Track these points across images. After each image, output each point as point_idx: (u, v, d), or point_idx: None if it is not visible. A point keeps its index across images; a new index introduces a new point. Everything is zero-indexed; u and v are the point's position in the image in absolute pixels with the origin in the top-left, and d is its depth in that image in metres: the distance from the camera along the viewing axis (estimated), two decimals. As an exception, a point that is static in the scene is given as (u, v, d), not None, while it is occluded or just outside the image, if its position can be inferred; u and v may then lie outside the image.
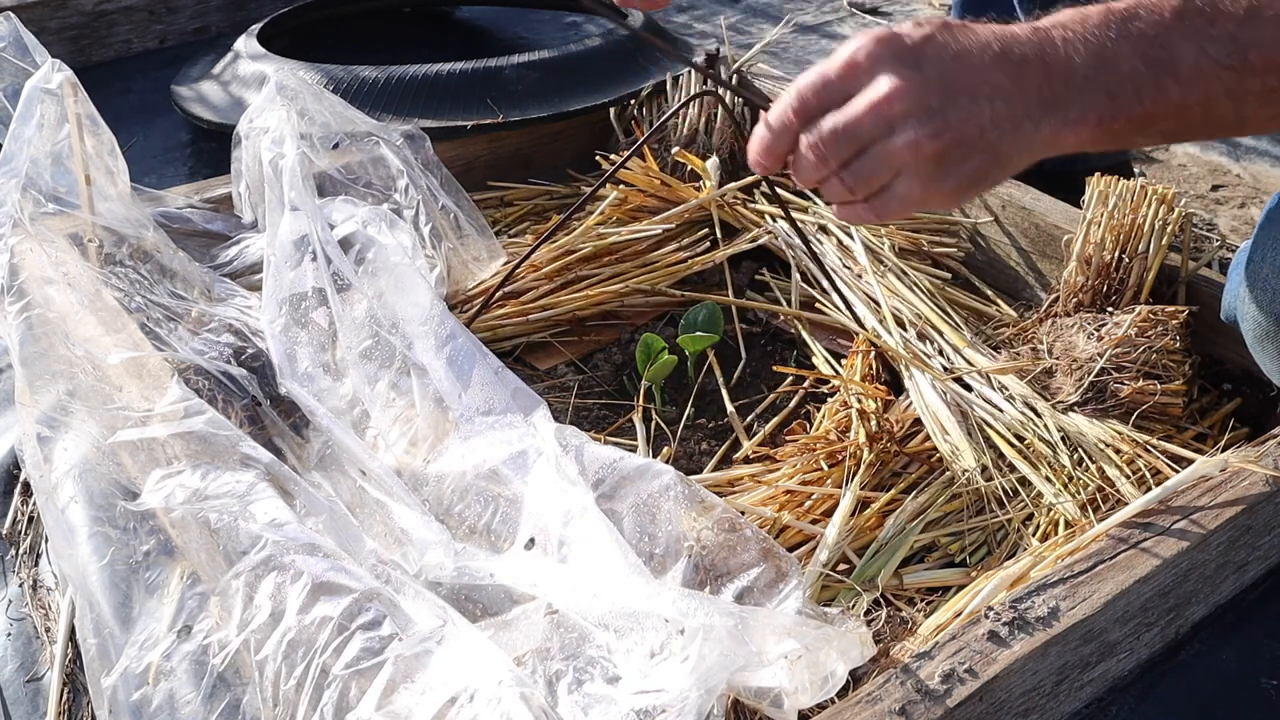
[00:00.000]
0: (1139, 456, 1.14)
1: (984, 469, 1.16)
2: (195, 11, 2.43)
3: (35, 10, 2.22)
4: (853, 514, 1.12)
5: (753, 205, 1.58)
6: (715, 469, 1.24)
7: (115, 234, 1.29)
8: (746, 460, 1.24)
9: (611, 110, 1.75)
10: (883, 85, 0.80)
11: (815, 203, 1.57)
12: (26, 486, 1.22)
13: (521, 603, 0.91)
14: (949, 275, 1.49)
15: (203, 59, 2.08)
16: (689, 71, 1.78)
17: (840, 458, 1.17)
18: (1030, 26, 0.81)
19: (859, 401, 1.23)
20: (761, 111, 0.86)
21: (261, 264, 1.33)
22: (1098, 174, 1.35)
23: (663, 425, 1.31)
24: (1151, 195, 1.30)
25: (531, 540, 0.96)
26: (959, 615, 0.96)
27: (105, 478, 0.98)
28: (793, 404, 1.34)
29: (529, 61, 1.77)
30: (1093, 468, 1.15)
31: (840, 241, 1.49)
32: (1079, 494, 1.12)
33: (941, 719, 0.83)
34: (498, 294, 1.39)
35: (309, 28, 2.31)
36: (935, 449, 1.20)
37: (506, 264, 1.45)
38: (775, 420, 1.31)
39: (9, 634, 1.09)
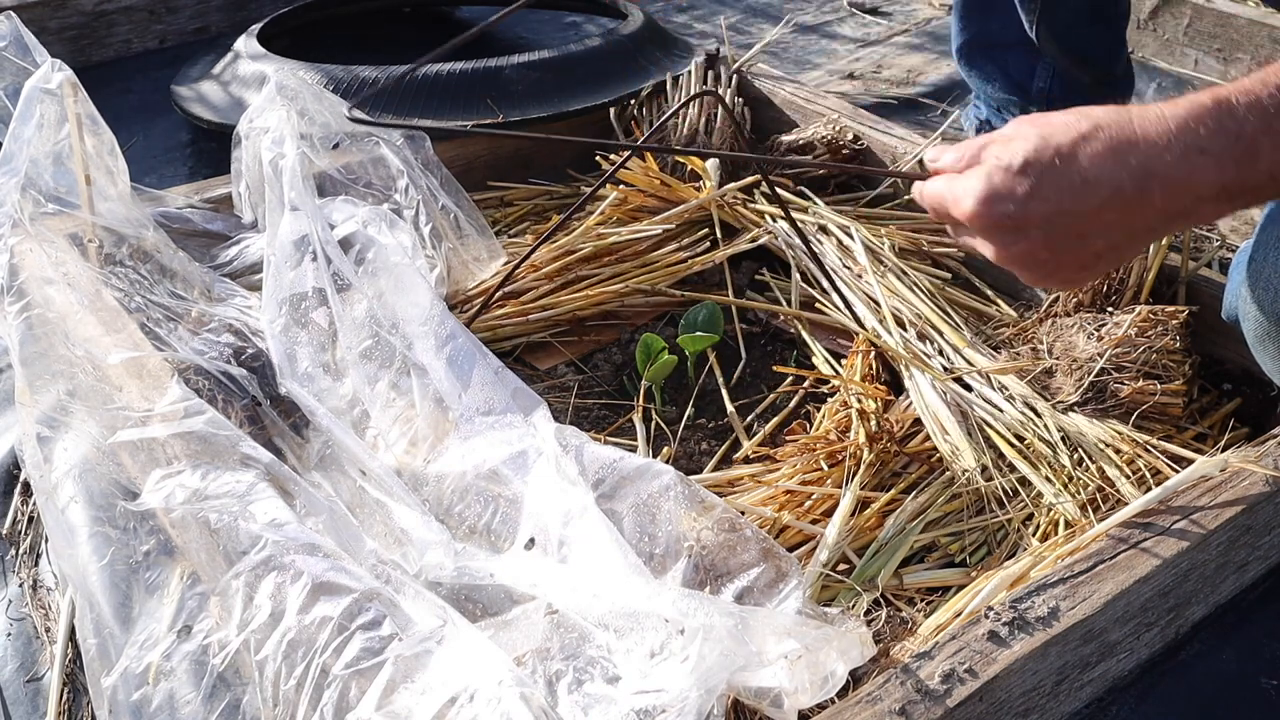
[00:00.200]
0: (1139, 456, 1.14)
1: (984, 469, 1.16)
2: (195, 11, 2.43)
3: (35, 10, 2.22)
4: (853, 514, 1.12)
5: (753, 205, 1.58)
6: (715, 469, 1.24)
7: (115, 234, 1.29)
8: (746, 460, 1.24)
9: (611, 110, 1.75)
10: (990, 254, 0.90)
11: (815, 202, 1.57)
12: (26, 486, 1.23)
13: (521, 603, 0.91)
14: (949, 275, 1.49)
15: (203, 59, 2.08)
16: (689, 71, 1.78)
17: (840, 458, 1.17)
18: (1172, 125, 0.80)
19: (859, 401, 1.23)
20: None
21: (261, 264, 1.33)
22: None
23: (663, 425, 1.31)
24: (1151, 195, 1.30)
25: (531, 540, 0.96)
26: (959, 615, 0.96)
27: (105, 478, 0.98)
28: (793, 404, 1.34)
29: (529, 61, 1.77)
30: (1093, 468, 1.15)
31: (840, 241, 1.49)
32: (1079, 494, 1.12)
33: (941, 719, 0.83)
34: (498, 294, 1.39)
35: (309, 28, 2.31)
36: (935, 449, 1.20)
37: (506, 264, 1.45)
38: (775, 420, 1.31)
39: (9, 634, 1.09)
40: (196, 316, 1.25)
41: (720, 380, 1.37)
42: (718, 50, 1.82)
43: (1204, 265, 1.32)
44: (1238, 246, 1.32)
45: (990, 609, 0.91)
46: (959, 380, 1.28)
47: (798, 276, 1.48)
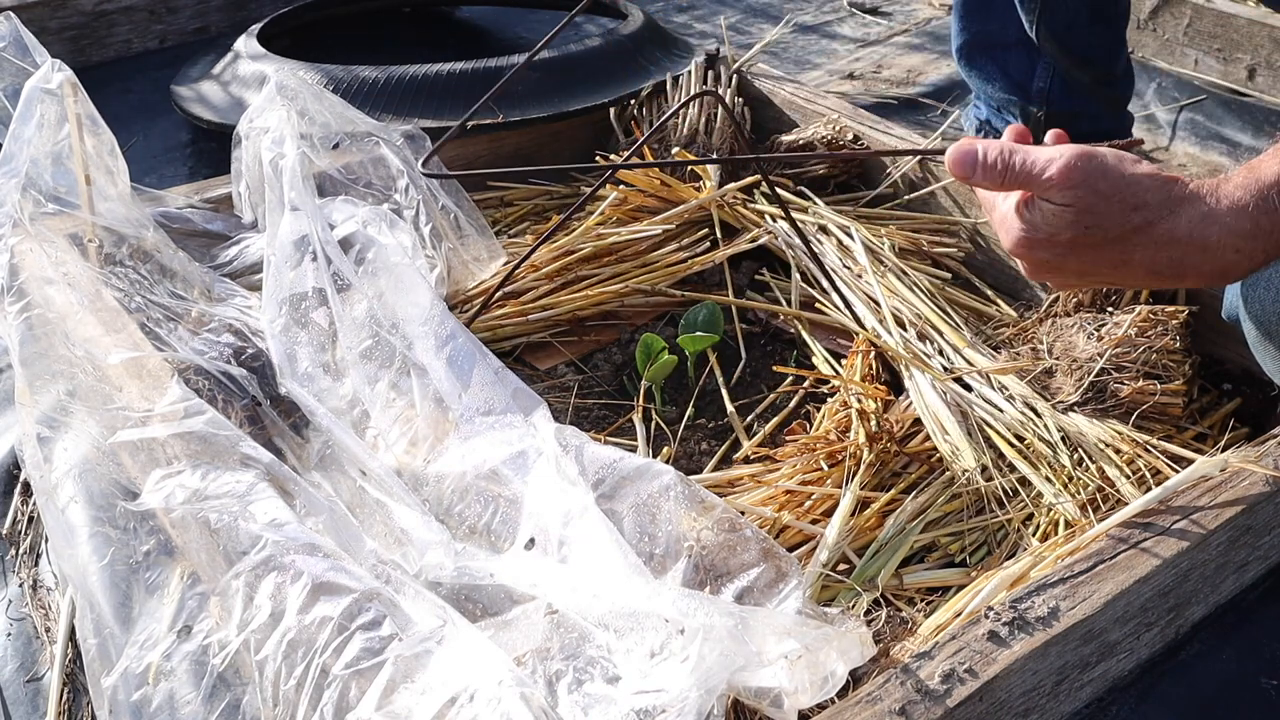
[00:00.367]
0: (1139, 456, 1.14)
1: (984, 469, 1.16)
2: (195, 11, 2.43)
3: (35, 10, 2.22)
4: (853, 514, 1.12)
5: (753, 205, 1.58)
6: (715, 469, 1.24)
7: (115, 234, 1.29)
8: (746, 460, 1.24)
9: (611, 110, 1.75)
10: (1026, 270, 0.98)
11: (815, 202, 1.57)
12: (26, 486, 1.23)
13: (521, 603, 0.91)
14: (949, 275, 1.49)
15: (203, 59, 2.08)
16: (689, 71, 1.78)
17: (840, 458, 1.17)
18: (1222, 234, 0.85)
19: (859, 401, 1.23)
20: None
21: (261, 264, 1.33)
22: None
23: (663, 425, 1.31)
24: (1151, 195, 1.30)
25: (531, 540, 0.95)
26: (959, 615, 0.96)
27: (105, 478, 0.98)
28: (793, 404, 1.34)
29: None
30: (1093, 468, 1.15)
31: (840, 241, 1.49)
32: (1079, 494, 1.12)
33: (941, 719, 0.83)
34: (498, 294, 1.39)
35: (309, 28, 2.31)
36: (935, 449, 1.20)
37: (506, 264, 1.45)
38: (775, 420, 1.31)
39: (9, 634, 1.09)
40: (196, 316, 1.25)
41: (720, 380, 1.37)
42: (718, 50, 1.82)
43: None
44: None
45: (990, 609, 0.91)
46: (959, 380, 1.28)
47: (798, 276, 1.48)
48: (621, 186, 1.55)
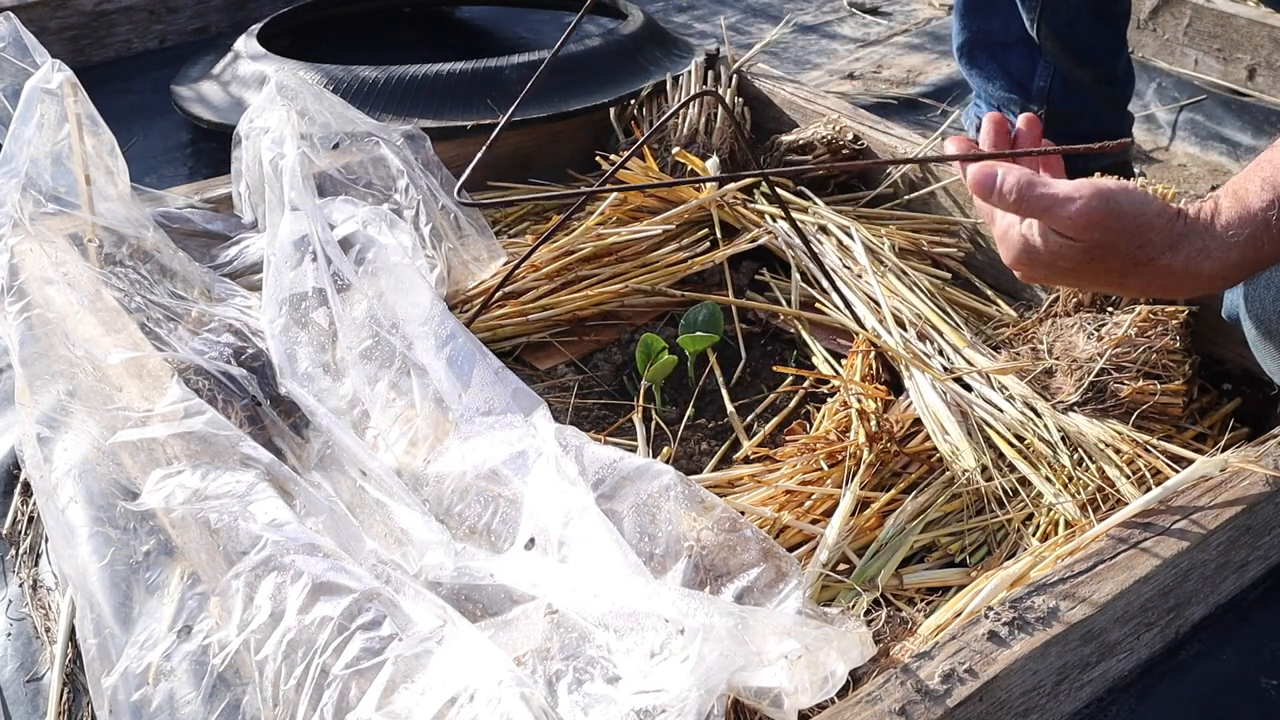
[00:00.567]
0: (1139, 456, 1.14)
1: (984, 469, 1.16)
2: (195, 11, 2.43)
3: (35, 10, 2.22)
4: (853, 514, 1.12)
5: (753, 205, 1.58)
6: (715, 469, 1.24)
7: (115, 234, 1.29)
8: (746, 460, 1.24)
9: (611, 110, 1.75)
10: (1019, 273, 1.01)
11: (815, 202, 1.57)
12: (26, 486, 1.22)
13: (521, 603, 0.91)
14: (949, 275, 1.49)
15: (203, 59, 2.08)
16: (689, 71, 1.78)
17: (840, 458, 1.17)
18: (1215, 267, 0.90)
19: (859, 401, 1.23)
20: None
21: (261, 264, 1.33)
22: (1098, 174, 1.35)
23: (663, 425, 1.31)
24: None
25: (531, 540, 0.95)
26: (959, 615, 0.96)
27: (105, 478, 0.98)
28: (793, 404, 1.34)
29: (529, 61, 1.77)
30: (1093, 468, 1.15)
31: (840, 241, 1.49)
32: (1079, 494, 1.12)
33: (941, 719, 0.83)
34: (498, 294, 1.39)
35: (309, 28, 2.31)
36: (935, 449, 1.20)
37: (506, 264, 1.45)
38: (775, 420, 1.31)
39: (9, 634, 1.09)
40: (196, 316, 1.25)
41: (720, 380, 1.37)
42: (718, 50, 1.82)
43: (1204, 265, 1.32)
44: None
45: (990, 609, 0.91)
46: (959, 380, 1.28)
47: (798, 276, 1.48)
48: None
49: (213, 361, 1.16)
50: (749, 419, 1.32)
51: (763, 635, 0.81)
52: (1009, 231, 0.95)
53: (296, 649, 0.81)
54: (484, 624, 0.89)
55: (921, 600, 1.06)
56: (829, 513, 1.12)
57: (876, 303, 1.39)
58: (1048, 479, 1.14)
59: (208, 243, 1.44)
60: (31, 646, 1.07)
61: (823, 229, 1.52)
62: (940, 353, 1.32)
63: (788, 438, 1.24)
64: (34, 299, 1.12)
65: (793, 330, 1.45)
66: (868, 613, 0.98)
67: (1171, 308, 1.25)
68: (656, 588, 0.84)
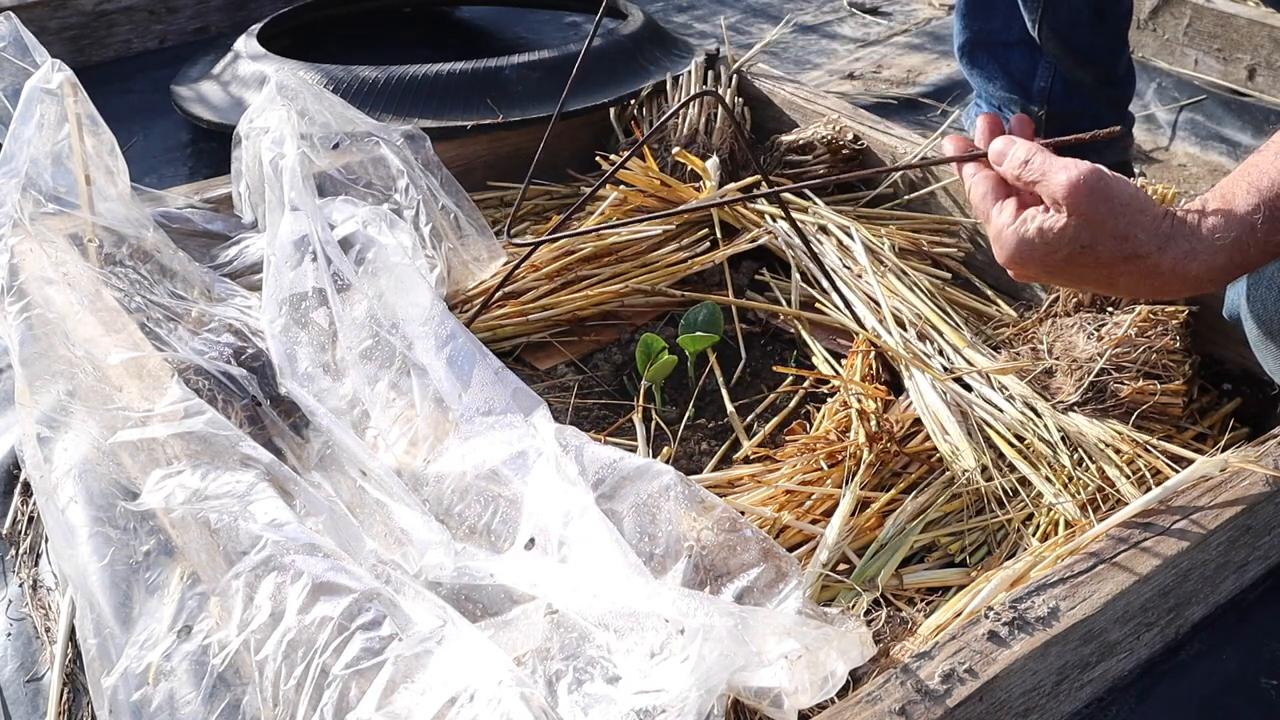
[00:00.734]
0: (1139, 456, 1.14)
1: (984, 469, 1.16)
2: (195, 11, 2.43)
3: (35, 10, 2.22)
4: (853, 514, 1.12)
5: (753, 205, 1.58)
6: (715, 469, 1.24)
7: (115, 234, 1.29)
8: (746, 460, 1.24)
9: (611, 110, 1.75)
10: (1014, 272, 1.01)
11: (815, 202, 1.57)
12: (26, 486, 1.22)
13: (521, 603, 0.91)
14: (949, 275, 1.49)
15: (203, 59, 2.08)
16: (689, 71, 1.78)
17: (840, 458, 1.17)
18: (1203, 267, 0.91)
19: (859, 401, 1.23)
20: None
21: (261, 264, 1.33)
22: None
23: (663, 425, 1.31)
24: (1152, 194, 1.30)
25: (531, 540, 0.96)
26: (959, 615, 0.96)
27: (105, 478, 0.98)
28: (793, 404, 1.34)
29: (529, 61, 1.77)
30: (1093, 468, 1.15)
31: (840, 241, 1.49)
32: (1079, 494, 1.12)
33: (941, 719, 0.83)
34: (498, 294, 1.39)
35: (309, 28, 2.31)
36: (935, 449, 1.20)
37: (506, 264, 1.45)
38: (775, 420, 1.31)
39: (9, 634, 1.09)
40: (196, 316, 1.25)
41: (720, 380, 1.37)
42: (718, 50, 1.82)
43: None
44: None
45: (990, 609, 0.91)
46: (959, 380, 1.28)
47: (798, 276, 1.48)
48: (621, 187, 1.55)
49: (213, 361, 1.16)
50: (749, 419, 1.32)
51: (763, 635, 0.81)
52: (1003, 232, 0.97)
53: (296, 649, 0.81)
54: (484, 624, 0.89)
55: (921, 600, 1.06)
56: (829, 513, 1.12)
57: (876, 303, 1.39)
58: (1048, 479, 1.14)
59: (208, 243, 1.44)
60: (31, 646, 1.07)
61: (823, 229, 1.52)
62: (940, 353, 1.32)
63: (788, 438, 1.24)
64: (34, 299, 1.12)
65: (793, 330, 1.45)
66: (868, 613, 0.98)
67: (1171, 308, 1.25)
68: (656, 588, 0.84)
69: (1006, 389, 1.26)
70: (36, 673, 1.05)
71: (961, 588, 1.04)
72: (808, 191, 1.59)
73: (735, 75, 1.79)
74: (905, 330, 1.35)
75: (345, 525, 0.95)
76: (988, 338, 1.37)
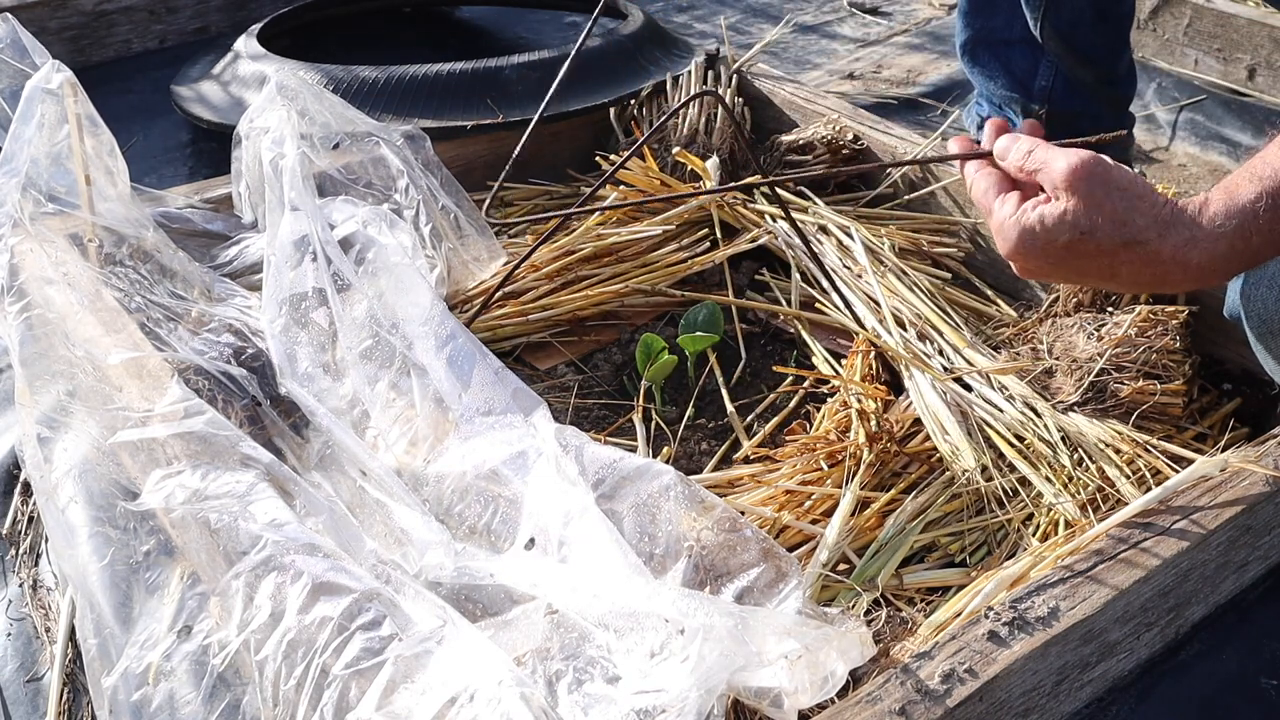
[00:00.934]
0: (1139, 456, 1.14)
1: (984, 469, 1.16)
2: (195, 11, 2.43)
3: (35, 10, 2.21)
4: (853, 514, 1.12)
5: (753, 205, 1.58)
6: (715, 469, 1.24)
7: (115, 234, 1.29)
8: (746, 460, 1.24)
9: (611, 110, 1.75)
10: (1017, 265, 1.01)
11: (815, 202, 1.57)
12: (26, 486, 1.23)
13: (521, 603, 0.91)
14: (949, 275, 1.49)
15: (203, 59, 2.08)
16: (689, 71, 1.78)
17: (840, 458, 1.17)
18: (1204, 257, 0.91)
19: (859, 401, 1.23)
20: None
21: (261, 264, 1.33)
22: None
23: (663, 425, 1.31)
24: (1151, 195, 1.30)
25: (531, 540, 0.96)
26: (959, 615, 0.96)
27: (105, 478, 0.98)
28: (793, 404, 1.34)
29: (529, 61, 1.77)
30: (1093, 468, 1.15)
31: (840, 241, 1.49)
32: (1079, 494, 1.12)
33: (941, 719, 0.83)
34: (498, 294, 1.39)
35: (309, 28, 2.31)
36: (935, 449, 1.20)
37: (506, 264, 1.45)
38: (775, 420, 1.31)
39: (9, 634, 1.09)
40: (196, 316, 1.25)
41: (720, 380, 1.37)
42: (718, 50, 1.82)
43: (1204, 265, 1.32)
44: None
45: (990, 609, 0.91)
46: (959, 380, 1.28)
47: (798, 276, 1.48)
48: (622, 187, 1.55)
49: (213, 361, 1.16)
50: (749, 419, 1.32)
51: (763, 635, 0.81)
52: (1005, 223, 0.97)
53: (296, 649, 0.81)
54: (484, 624, 0.89)
55: (921, 600, 1.06)
56: (829, 513, 1.12)
57: (876, 303, 1.39)
58: (1048, 479, 1.14)
59: (208, 243, 1.44)
60: (31, 646, 1.07)
61: (823, 229, 1.52)
62: (940, 353, 1.32)
63: (788, 438, 1.24)
64: (34, 299, 1.12)
65: (793, 330, 1.45)
66: (868, 613, 0.98)
67: (1171, 307, 1.25)
68: (656, 588, 0.84)
69: (1006, 389, 1.26)
70: (36, 673, 1.05)
71: (961, 588, 1.04)
72: (807, 191, 1.59)
73: (735, 75, 1.79)
74: (905, 330, 1.35)
75: (345, 525, 0.95)
76: (988, 338, 1.37)
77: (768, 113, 1.78)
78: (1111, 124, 1.83)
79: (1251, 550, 1.06)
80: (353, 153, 1.45)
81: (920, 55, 2.42)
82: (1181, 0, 2.20)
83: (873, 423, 1.20)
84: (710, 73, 1.79)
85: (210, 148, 2.00)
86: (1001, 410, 1.23)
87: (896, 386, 1.31)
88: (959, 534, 1.13)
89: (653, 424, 1.31)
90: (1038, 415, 1.22)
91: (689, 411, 1.32)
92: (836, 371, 1.35)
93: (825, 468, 1.17)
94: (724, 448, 1.28)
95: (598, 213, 1.53)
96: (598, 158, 1.70)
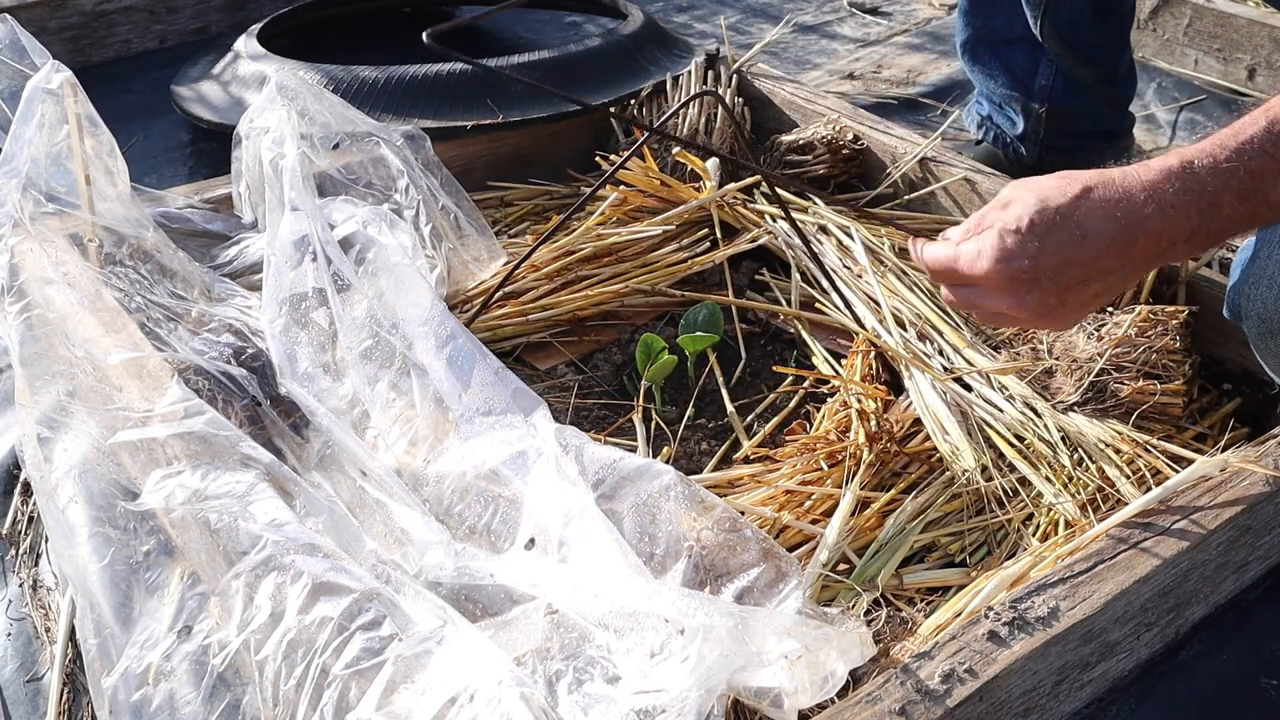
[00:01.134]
0: (1139, 456, 1.14)
1: (984, 469, 1.16)
2: (195, 11, 2.43)
3: (35, 10, 2.22)
4: (853, 514, 1.12)
5: (753, 205, 1.58)
6: (715, 469, 1.24)
7: (115, 234, 1.29)
8: (746, 460, 1.24)
9: (611, 110, 1.75)
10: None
11: (815, 203, 1.57)
12: (26, 486, 1.23)
13: (521, 603, 0.91)
14: (949, 275, 1.49)
15: (203, 59, 2.08)
16: (689, 71, 1.78)
17: (840, 458, 1.17)
18: (1147, 184, 0.92)
19: (859, 401, 1.23)
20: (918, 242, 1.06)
21: (261, 264, 1.33)
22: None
23: (663, 425, 1.31)
24: (1151, 195, 1.30)
25: (531, 540, 0.96)
26: (959, 615, 0.96)
27: (105, 478, 0.98)
28: (793, 404, 1.34)
29: (529, 61, 1.77)
30: (1093, 468, 1.15)
31: (840, 241, 1.49)
32: (1079, 494, 1.12)
33: (941, 719, 0.83)
34: (498, 294, 1.39)
35: (309, 28, 2.31)
36: (935, 449, 1.20)
37: (506, 264, 1.45)
38: (775, 420, 1.31)
39: (9, 634, 1.09)
40: (196, 316, 1.25)
41: (720, 380, 1.37)
42: (718, 50, 1.82)
43: (1204, 265, 1.32)
44: (1238, 246, 1.32)
45: (990, 609, 0.91)
46: (959, 380, 1.28)
47: (798, 276, 1.48)
48: (621, 186, 1.55)
49: (213, 361, 1.16)
50: (749, 419, 1.32)
51: (763, 635, 0.81)
52: (973, 253, 0.98)
53: (296, 649, 0.81)
54: (484, 624, 0.89)
55: (921, 600, 1.06)
56: (829, 513, 1.12)
57: (876, 303, 1.39)
58: (1048, 479, 1.14)
59: (208, 243, 1.44)
60: (31, 646, 1.07)
61: (823, 229, 1.52)
62: (940, 353, 1.32)
63: (788, 438, 1.24)
64: (34, 299, 1.12)
65: (793, 330, 1.45)
66: (868, 613, 0.98)
67: (1172, 307, 1.25)
68: (656, 588, 0.84)
69: (1006, 389, 1.26)
70: (36, 673, 1.05)
71: (961, 588, 1.04)
72: (807, 191, 1.59)
73: (735, 75, 1.79)
74: (905, 330, 1.35)
75: (345, 525, 0.95)
76: (988, 338, 1.37)
77: (768, 113, 1.78)
78: (1111, 124, 1.83)
79: (1251, 550, 1.06)
80: (353, 153, 1.45)
81: (920, 55, 2.42)
82: (1181, 0, 2.20)
83: (873, 423, 1.20)
84: (710, 73, 1.79)
85: (210, 148, 2.00)
86: (1001, 410, 1.23)
87: (896, 386, 1.31)
88: (959, 534, 1.13)
89: (653, 424, 1.31)
90: (1038, 415, 1.22)
91: (689, 411, 1.32)
92: (836, 371, 1.35)
93: (825, 468, 1.17)
94: (724, 448, 1.28)
95: (598, 213, 1.53)
96: (598, 157, 1.70)
